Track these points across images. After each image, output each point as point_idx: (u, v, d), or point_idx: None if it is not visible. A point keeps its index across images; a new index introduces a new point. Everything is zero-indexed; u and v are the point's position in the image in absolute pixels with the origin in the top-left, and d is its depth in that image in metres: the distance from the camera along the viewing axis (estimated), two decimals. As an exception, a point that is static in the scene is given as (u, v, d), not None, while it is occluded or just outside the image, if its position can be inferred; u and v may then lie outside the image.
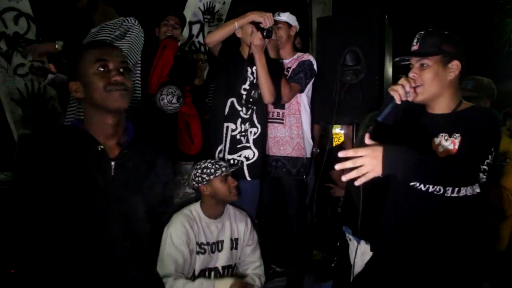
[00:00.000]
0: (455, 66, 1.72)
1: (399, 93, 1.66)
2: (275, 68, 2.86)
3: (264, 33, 2.61)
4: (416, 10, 9.79)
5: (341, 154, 1.45)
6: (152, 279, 1.69)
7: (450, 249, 1.70)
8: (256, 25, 2.64)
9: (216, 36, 2.76)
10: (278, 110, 3.07)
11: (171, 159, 1.76)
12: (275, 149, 3.05)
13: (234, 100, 2.79)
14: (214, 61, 2.89)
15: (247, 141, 2.81)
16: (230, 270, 2.54)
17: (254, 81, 2.80)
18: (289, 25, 3.15)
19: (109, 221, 1.48)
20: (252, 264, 2.62)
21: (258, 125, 2.84)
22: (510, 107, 3.79)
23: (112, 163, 1.50)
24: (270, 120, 3.06)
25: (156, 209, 1.67)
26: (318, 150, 3.57)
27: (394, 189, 1.84)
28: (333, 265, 3.09)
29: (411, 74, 1.73)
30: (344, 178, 1.45)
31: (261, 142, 2.86)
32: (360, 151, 1.44)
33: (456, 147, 1.66)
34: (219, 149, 2.80)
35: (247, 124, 2.81)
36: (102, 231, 1.47)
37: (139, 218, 1.56)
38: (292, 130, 3.06)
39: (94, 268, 1.46)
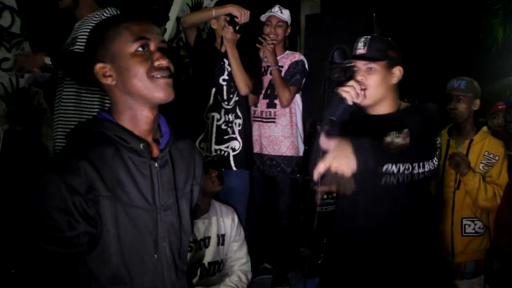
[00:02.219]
0: (398, 71, 1.83)
1: (350, 94, 1.70)
2: (251, 59, 2.89)
3: (236, 28, 2.64)
4: (403, 8, 9.86)
5: (316, 176, 1.47)
6: None
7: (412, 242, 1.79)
8: (231, 18, 2.66)
9: (192, 19, 2.81)
10: (271, 110, 3.08)
11: (202, 155, 1.51)
12: (270, 148, 3.06)
13: (216, 90, 2.82)
14: (190, 50, 2.89)
15: (233, 132, 2.84)
16: (216, 266, 2.53)
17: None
18: (287, 25, 3.15)
19: (158, 237, 1.21)
20: (239, 260, 2.61)
21: (242, 116, 2.86)
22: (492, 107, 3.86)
23: (156, 164, 1.22)
24: (264, 120, 3.06)
25: (193, 216, 1.42)
26: (306, 148, 3.58)
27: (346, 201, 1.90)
28: (319, 262, 3.10)
29: (359, 77, 1.80)
30: (320, 189, 1.51)
31: (244, 132, 2.88)
32: (329, 157, 1.46)
33: (408, 141, 1.75)
34: (200, 138, 2.80)
35: (231, 115, 2.82)
36: (152, 247, 1.20)
37: (186, 229, 1.32)
38: (286, 129, 3.07)
39: None
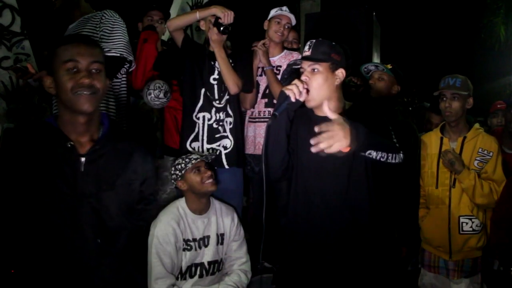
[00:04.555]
0: (340, 73, 1.93)
1: (293, 91, 1.82)
2: (241, 58, 2.92)
3: (221, 29, 2.68)
4: (403, 7, 9.84)
5: (316, 129, 1.61)
6: (129, 278, 1.64)
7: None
8: (216, 20, 2.69)
9: (177, 22, 2.82)
10: (270, 109, 3.07)
11: (150, 154, 1.73)
12: None
13: (206, 90, 2.83)
14: (178, 52, 2.91)
15: (224, 131, 2.85)
16: (216, 266, 2.53)
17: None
18: (292, 26, 3.16)
19: (78, 217, 1.48)
20: (239, 259, 2.61)
21: (232, 114, 2.87)
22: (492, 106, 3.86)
23: (82, 159, 1.50)
24: (263, 119, 3.06)
25: (136, 206, 1.64)
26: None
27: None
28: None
29: (303, 77, 1.91)
30: (314, 149, 1.60)
31: (236, 131, 2.89)
32: (331, 126, 1.60)
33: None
34: (190, 138, 2.82)
35: (221, 114, 2.84)
36: (72, 226, 1.47)
37: (112, 215, 1.54)
38: None
39: (64, 263, 1.47)
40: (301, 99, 1.86)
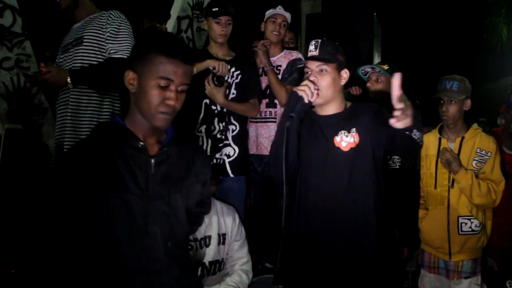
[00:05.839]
0: (345, 74, 1.96)
1: (306, 93, 1.82)
2: (250, 66, 2.98)
3: (215, 81, 2.77)
4: (404, 7, 9.83)
5: (398, 106, 1.49)
6: (191, 281, 1.62)
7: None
8: (212, 73, 2.78)
9: None
10: (271, 109, 3.08)
11: (208, 158, 1.73)
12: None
13: (207, 100, 2.84)
14: None
15: (226, 139, 2.86)
16: (217, 266, 2.53)
17: (228, 79, 2.86)
18: (288, 24, 3.17)
19: (150, 220, 1.43)
20: (240, 260, 2.61)
21: (236, 123, 2.89)
22: (500, 105, 3.85)
23: (152, 160, 1.46)
24: (264, 120, 3.07)
25: (195, 210, 1.62)
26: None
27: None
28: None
29: (312, 77, 1.90)
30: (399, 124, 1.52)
31: (240, 139, 2.90)
32: (404, 104, 1.52)
33: (357, 140, 1.91)
34: None
35: (225, 123, 2.85)
36: (144, 231, 1.42)
37: (179, 218, 1.51)
38: None
39: (134, 268, 1.41)
40: (313, 100, 1.86)
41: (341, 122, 1.95)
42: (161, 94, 1.41)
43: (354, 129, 1.92)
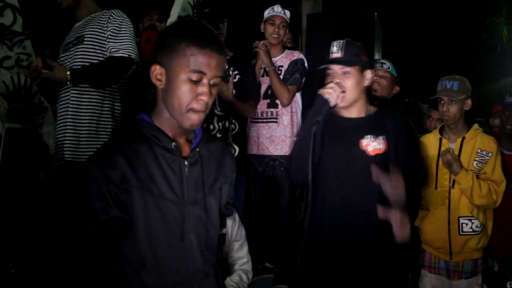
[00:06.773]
0: (368, 74, 1.93)
1: (333, 96, 1.80)
2: (248, 68, 3.00)
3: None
4: (405, 8, 9.83)
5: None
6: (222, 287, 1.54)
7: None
8: None
9: None
10: (272, 109, 3.08)
11: (234, 157, 1.62)
12: (272, 148, 3.06)
13: None
14: None
15: (227, 138, 2.86)
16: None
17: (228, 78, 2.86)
18: (288, 24, 3.16)
19: (185, 227, 1.32)
20: (240, 260, 2.61)
21: (236, 122, 2.88)
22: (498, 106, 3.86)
23: (186, 162, 1.34)
24: (265, 120, 3.06)
25: (223, 212, 1.51)
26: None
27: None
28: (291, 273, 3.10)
29: (336, 80, 1.86)
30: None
31: (240, 139, 2.90)
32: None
33: (384, 147, 1.88)
34: None
35: (225, 122, 2.82)
36: (181, 238, 1.31)
37: (213, 222, 1.41)
38: (288, 129, 3.07)
39: (175, 282, 1.31)
40: (338, 102, 1.83)
41: (367, 125, 1.91)
42: (193, 89, 1.26)
43: (381, 137, 1.88)
